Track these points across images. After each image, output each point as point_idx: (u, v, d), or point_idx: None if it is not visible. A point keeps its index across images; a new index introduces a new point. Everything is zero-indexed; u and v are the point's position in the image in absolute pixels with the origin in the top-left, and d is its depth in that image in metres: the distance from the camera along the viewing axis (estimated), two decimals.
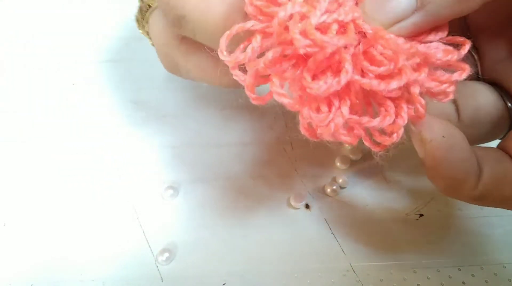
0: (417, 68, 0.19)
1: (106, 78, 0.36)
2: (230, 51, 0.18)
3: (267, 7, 0.18)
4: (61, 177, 0.30)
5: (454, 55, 0.19)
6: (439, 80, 0.19)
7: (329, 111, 0.19)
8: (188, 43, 0.24)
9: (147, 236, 0.28)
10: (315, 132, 0.19)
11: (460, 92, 0.23)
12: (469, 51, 0.24)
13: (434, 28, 0.19)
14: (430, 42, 0.19)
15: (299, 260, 0.27)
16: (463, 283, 0.26)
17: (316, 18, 0.17)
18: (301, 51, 0.18)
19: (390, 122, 0.19)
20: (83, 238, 0.28)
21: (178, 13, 0.21)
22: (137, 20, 0.28)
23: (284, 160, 0.31)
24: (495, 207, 0.22)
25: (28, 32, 0.39)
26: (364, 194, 0.30)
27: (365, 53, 0.19)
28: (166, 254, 0.27)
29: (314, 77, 0.19)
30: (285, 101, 0.19)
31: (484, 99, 0.23)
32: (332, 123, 0.18)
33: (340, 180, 0.30)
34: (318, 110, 0.19)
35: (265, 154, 0.32)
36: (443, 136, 0.20)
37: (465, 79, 0.23)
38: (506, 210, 0.24)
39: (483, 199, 0.21)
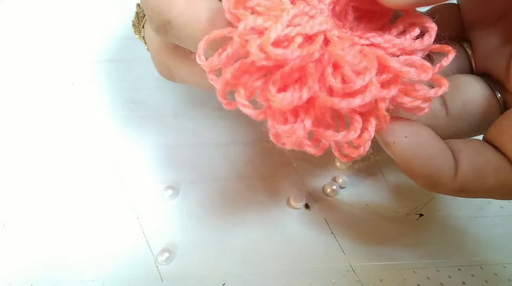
0: (387, 84, 0.19)
1: (106, 78, 0.36)
2: (209, 56, 0.19)
3: (243, 16, 0.18)
4: (60, 176, 0.30)
5: (428, 75, 0.19)
6: (414, 95, 0.19)
7: (295, 122, 0.19)
8: (181, 49, 0.24)
9: (147, 236, 0.28)
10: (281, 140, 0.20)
11: (449, 84, 0.23)
12: (462, 45, 0.24)
13: (420, 35, 0.20)
14: (415, 50, 0.20)
15: (299, 260, 0.27)
16: (463, 283, 0.26)
17: (276, 31, 0.17)
18: (258, 64, 0.18)
19: (355, 137, 0.19)
20: (83, 238, 0.28)
21: (164, 18, 0.21)
22: (134, 25, 0.28)
23: (284, 160, 0.31)
24: (483, 198, 0.22)
25: (28, 32, 0.39)
26: (363, 194, 0.30)
27: (335, 65, 0.18)
28: (166, 254, 0.27)
29: (284, 88, 0.19)
30: (248, 111, 0.19)
31: (472, 91, 0.23)
32: (294, 135, 0.19)
33: (340, 180, 0.30)
34: (284, 120, 0.19)
35: (265, 154, 0.32)
36: (405, 137, 0.20)
37: (456, 73, 0.23)
38: (505, 212, 0.24)
39: (466, 191, 0.21)
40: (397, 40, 0.20)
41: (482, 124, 0.23)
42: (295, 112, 0.19)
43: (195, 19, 0.20)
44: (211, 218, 0.29)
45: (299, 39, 0.18)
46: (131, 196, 0.30)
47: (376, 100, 0.19)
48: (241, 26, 0.18)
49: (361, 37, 0.20)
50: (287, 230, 0.28)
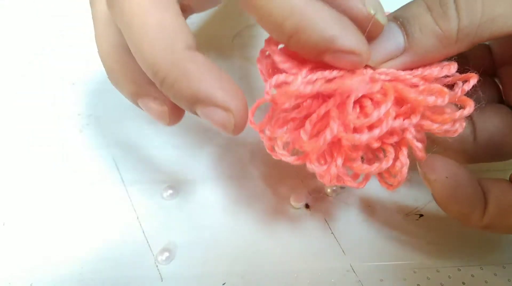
0: (407, 113, 0.20)
1: (106, 78, 0.36)
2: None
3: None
4: (60, 176, 0.30)
5: (444, 99, 0.20)
6: (440, 120, 0.20)
7: (331, 162, 0.21)
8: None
9: (147, 236, 0.28)
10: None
11: (479, 113, 0.25)
12: (493, 80, 0.27)
13: (441, 65, 0.21)
14: (437, 79, 0.21)
15: (299, 260, 0.27)
16: (463, 283, 0.26)
17: (296, 81, 0.20)
18: (286, 113, 0.21)
19: (387, 167, 0.21)
20: (83, 238, 0.28)
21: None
22: None
23: None
24: (504, 233, 0.24)
25: (28, 32, 0.39)
26: (363, 194, 0.30)
27: (355, 102, 0.20)
28: (166, 254, 0.27)
29: (316, 134, 0.21)
30: (287, 159, 0.22)
31: (502, 122, 0.24)
32: (328, 174, 0.21)
33: None
34: (323, 161, 0.22)
35: (265, 154, 0.31)
36: (446, 177, 0.22)
37: (487, 102, 0.24)
38: None
39: (491, 227, 0.23)
40: (417, 71, 0.21)
41: (508, 154, 0.25)
42: (330, 152, 0.22)
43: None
44: (211, 218, 0.29)
45: (319, 82, 0.20)
46: (131, 196, 0.29)
47: (403, 130, 0.20)
48: (270, 83, 0.21)
49: (382, 73, 0.21)
50: (287, 230, 0.28)
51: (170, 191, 0.29)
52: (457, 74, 0.22)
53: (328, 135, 0.20)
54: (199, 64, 0.20)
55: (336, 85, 0.20)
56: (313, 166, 0.21)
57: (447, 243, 0.27)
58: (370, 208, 0.29)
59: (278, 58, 0.21)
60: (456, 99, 0.21)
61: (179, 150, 0.32)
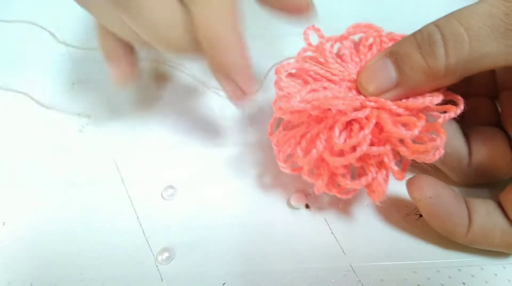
0: (383, 141, 0.23)
1: (106, 78, 0.36)
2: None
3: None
4: (60, 176, 0.30)
5: (413, 133, 0.22)
6: (412, 149, 0.22)
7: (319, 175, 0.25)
8: None
9: (147, 235, 0.28)
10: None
11: (476, 136, 0.27)
12: (493, 102, 0.29)
13: (428, 95, 0.23)
14: (421, 109, 0.23)
15: (299, 260, 0.27)
16: (463, 283, 0.26)
17: (295, 99, 0.24)
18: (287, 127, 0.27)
19: (364, 184, 0.24)
20: (83, 238, 0.28)
21: None
22: None
23: None
24: (488, 249, 0.26)
25: (27, 31, 0.39)
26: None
27: (349, 123, 0.24)
28: (166, 254, 0.27)
29: (310, 151, 0.24)
30: (286, 171, 0.27)
31: (496, 147, 0.26)
32: (317, 186, 0.25)
33: None
34: (311, 173, 0.26)
35: (265, 154, 0.32)
36: (430, 196, 0.24)
37: (486, 124, 0.27)
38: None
39: (475, 244, 0.25)
40: (402, 101, 0.23)
41: (501, 174, 0.27)
42: (320, 167, 0.25)
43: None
44: (211, 218, 0.29)
45: (314, 102, 0.23)
46: (131, 196, 0.29)
47: (379, 155, 0.23)
48: (274, 100, 0.26)
49: (371, 101, 0.23)
50: (287, 230, 0.28)
51: (170, 191, 0.30)
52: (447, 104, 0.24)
53: (314, 154, 0.24)
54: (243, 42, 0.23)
55: (320, 103, 0.23)
56: (306, 177, 0.25)
57: (447, 243, 0.27)
58: (369, 207, 0.29)
59: (283, 84, 0.25)
60: (435, 128, 0.23)
61: (179, 150, 0.32)
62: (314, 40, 0.27)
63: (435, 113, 0.24)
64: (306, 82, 0.26)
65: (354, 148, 0.23)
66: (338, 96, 0.23)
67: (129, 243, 0.27)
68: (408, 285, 0.26)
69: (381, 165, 0.24)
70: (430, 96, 0.23)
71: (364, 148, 0.22)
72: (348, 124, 0.24)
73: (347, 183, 0.24)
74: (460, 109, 0.23)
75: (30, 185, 0.30)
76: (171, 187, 0.30)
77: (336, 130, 0.23)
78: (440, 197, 0.24)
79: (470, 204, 0.25)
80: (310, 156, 0.24)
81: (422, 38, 0.22)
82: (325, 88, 0.24)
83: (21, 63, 0.37)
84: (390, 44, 0.26)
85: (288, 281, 0.26)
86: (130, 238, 0.28)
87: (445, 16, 0.22)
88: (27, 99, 0.35)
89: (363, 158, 0.23)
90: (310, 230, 0.28)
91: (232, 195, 0.30)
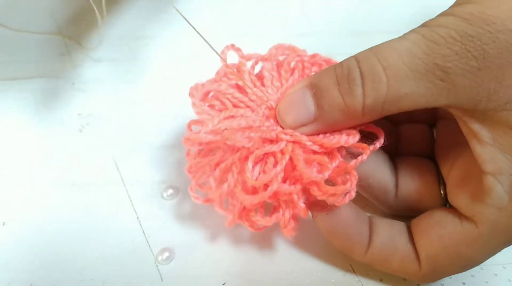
0: (294, 180, 0.22)
1: (106, 78, 0.36)
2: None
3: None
4: (60, 176, 0.30)
5: (324, 176, 0.21)
6: (322, 190, 0.22)
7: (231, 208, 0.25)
8: None
9: (147, 235, 0.28)
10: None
11: (405, 167, 0.26)
12: (431, 129, 0.28)
13: (346, 133, 0.23)
14: (341, 146, 0.22)
15: (299, 260, 0.27)
16: (463, 283, 0.26)
17: (207, 127, 0.23)
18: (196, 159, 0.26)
19: (275, 221, 0.23)
20: (83, 238, 0.28)
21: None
22: None
23: None
24: (389, 272, 0.25)
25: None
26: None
27: (266, 155, 0.23)
28: (166, 254, 0.27)
29: (224, 182, 0.24)
30: (198, 201, 0.26)
31: (421, 181, 0.26)
32: (228, 217, 0.25)
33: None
34: (223, 206, 0.25)
35: None
36: (326, 214, 0.23)
37: (419, 154, 0.27)
38: None
39: (373, 265, 0.24)
40: (318, 137, 0.23)
41: (422, 210, 0.25)
42: (232, 200, 0.24)
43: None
44: (211, 218, 0.28)
45: (225, 132, 0.22)
46: (131, 196, 0.29)
47: (289, 194, 0.22)
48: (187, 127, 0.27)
49: (287, 134, 0.23)
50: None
51: (170, 191, 0.30)
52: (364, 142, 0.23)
53: (225, 188, 0.23)
54: None
55: (226, 137, 0.22)
56: (218, 209, 0.25)
57: None
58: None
59: (195, 109, 0.24)
60: (348, 170, 0.22)
61: (179, 150, 0.32)
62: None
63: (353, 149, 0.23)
64: (224, 105, 0.25)
65: (266, 185, 0.22)
66: (253, 126, 0.23)
67: (129, 243, 0.27)
68: (408, 285, 0.26)
69: (291, 202, 0.23)
70: (346, 135, 0.22)
71: (274, 187, 0.22)
72: (264, 155, 0.23)
73: (258, 219, 0.24)
74: (380, 143, 0.23)
75: (30, 185, 0.30)
76: (171, 187, 0.30)
77: (249, 165, 0.22)
78: (336, 215, 0.23)
79: (375, 225, 0.24)
80: (222, 190, 0.23)
81: (342, 74, 0.21)
82: (241, 115, 0.24)
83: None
84: (313, 69, 0.26)
85: (288, 281, 0.26)
86: (130, 238, 0.28)
87: (367, 50, 0.21)
88: (27, 98, 0.35)
89: (275, 194, 0.23)
90: (310, 230, 0.28)
91: None
